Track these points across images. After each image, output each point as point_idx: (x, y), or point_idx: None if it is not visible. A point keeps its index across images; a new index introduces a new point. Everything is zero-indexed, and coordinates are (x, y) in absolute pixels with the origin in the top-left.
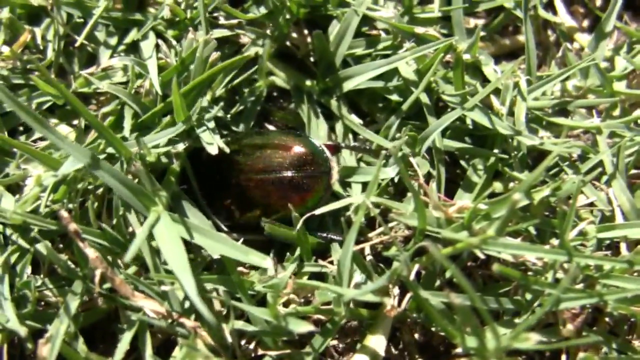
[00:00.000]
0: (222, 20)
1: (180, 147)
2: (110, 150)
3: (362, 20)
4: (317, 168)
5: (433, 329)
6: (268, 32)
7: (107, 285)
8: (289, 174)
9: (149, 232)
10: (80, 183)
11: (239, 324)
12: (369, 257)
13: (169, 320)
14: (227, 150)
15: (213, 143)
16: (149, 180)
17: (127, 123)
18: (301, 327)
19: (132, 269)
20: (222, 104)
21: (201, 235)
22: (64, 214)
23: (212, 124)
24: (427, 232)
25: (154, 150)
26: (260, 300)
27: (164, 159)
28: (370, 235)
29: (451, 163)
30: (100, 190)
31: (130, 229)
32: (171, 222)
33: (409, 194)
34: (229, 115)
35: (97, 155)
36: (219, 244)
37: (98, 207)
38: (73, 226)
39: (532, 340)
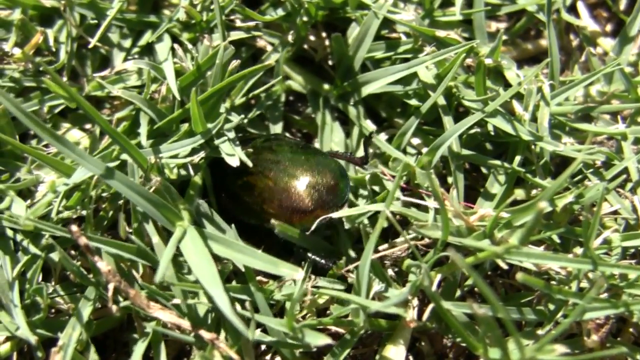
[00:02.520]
0: (238, 23)
1: (199, 157)
2: (125, 156)
3: (381, 23)
4: (335, 200)
5: (452, 339)
6: (285, 36)
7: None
8: (307, 197)
9: (175, 248)
10: (93, 190)
11: (257, 334)
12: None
13: (186, 332)
14: (250, 164)
15: (234, 154)
16: (172, 194)
17: (143, 129)
18: (319, 340)
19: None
20: (241, 115)
21: (228, 248)
22: (74, 228)
23: (232, 134)
24: (448, 241)
25: (172, 160)
26: (279, 311)
27: (182, 172)
28: (384, 245)
29: (471, 169)
30: (115, 198)
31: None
32: (198, 237)
33: (424, 202)
34: (245, 120)
35: (110, 164)
36: (247, 257)
37: (112, 215)
38: (83, 240)
39: (556, 352)
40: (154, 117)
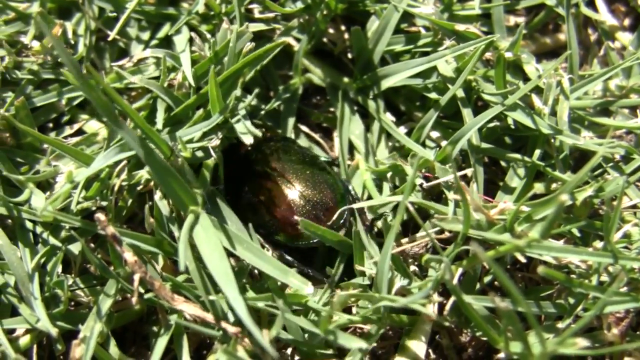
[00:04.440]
0: (257, 15)
1: (215, 141)
2: None
3: (401, 17)
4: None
5: (472, 333)
6: (305, 29)
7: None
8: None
9: (189, 234)
10: (115, 178)
11: (277, 331)
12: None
13: (210, 325)
14: (259, 134)
15: (247, 132)
16: (189, 174)
17: (160, 116)
18: (353, 343)
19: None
20: (257, 90)
21: (241, 247)
22: (101, 216)
23: (244, 112)
24: (468, 234)
25: (189, 145)
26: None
27: (199, 154)
28: (404, 240)
29: (490, 163)
30: (133, 187)
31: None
32: (210, 226)
33: (443, 196)
34: (262, 112)
35: (128, 153)
36: (260, 260)
37: (131, 206)
38: (110, 229)
39: (578, 345)
40: (170, 103)
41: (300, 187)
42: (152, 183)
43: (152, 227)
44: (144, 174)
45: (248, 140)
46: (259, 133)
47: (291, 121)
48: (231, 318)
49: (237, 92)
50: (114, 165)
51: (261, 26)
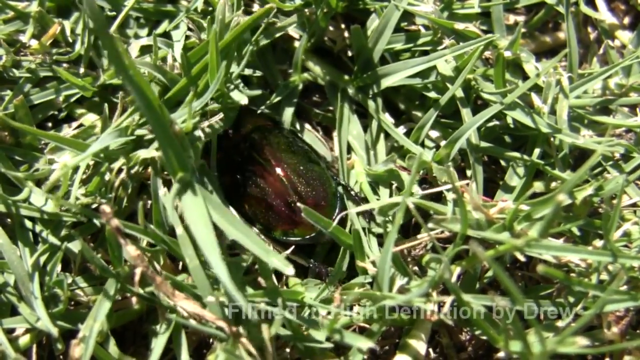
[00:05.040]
0: (256, 8)
1: (215, 119)
2: (139, 132)
3: (400, 15)
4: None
5: (471, 332)
6: (304, 25)
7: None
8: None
9: (175, 197)
10: (114, 173)
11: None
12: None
13: (209, 323)
14: (255, 93)
15: (244, 97)
16: (183, 142)
17: None
18: (361, 343)
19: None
20: (247, 57)
21: (226, 220)
22: (107, 209)
23: (239, 81)
24: (467, 234)
25: (184, 124)
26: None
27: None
28: (405, 240)
29: (489, 162)
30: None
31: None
32: (198, 194)
33: (443, 194)
34: (264, 107)
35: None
36: (240, 234)
37: (130, 203)
38: (115, 222)
39: (578, 344)
40: (164, 81)
41: (290, 180)
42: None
43: (146, 224)
44: (141, 153)
45: (244, 100)
46: (254, 93)
47: (290, 118)
48: (230, 316)
49: (233, 67)
50: (113, 159)
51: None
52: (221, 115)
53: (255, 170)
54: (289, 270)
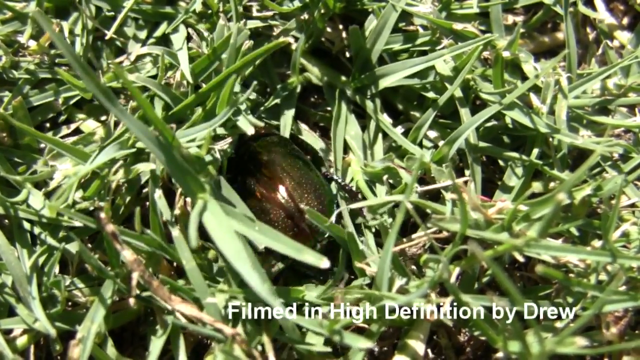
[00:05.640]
0: (255, 13)
1: (223, 144)
2: (139, 145)
3: (399, 16)
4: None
5: (470, 332)
6: (303, 28)
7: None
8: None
9: (199, 219)
10: (113, 176)
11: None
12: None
13: (207, 326)
14: (261, 124)
15: (250, 126)
16: (194, 166)
17: (158, 115)
18: (360, 343)
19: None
20: (255, 83)
21: (249, 227)
22: (102, 214)
23: (244, 106)
24: (466, 234)
25: (190, 144)
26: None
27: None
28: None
29: (488, 162)
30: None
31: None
32: (220, 211)
33: (442, 193)
34: (262, 108)
35: (127, 151)
36: (269, 239)
37: (128, 207)
38: (110, 227)
39: (577, 345)
40: (168, 101)
41: (286, 189)
42: (149, 182)
43: (142, 229)
44: (140, 167)
45: (250, 130)
46: (260, 123)
47: (289, 120)
48: (228, 318)
49: (237, 87)
50: (112, 164)
51: (258, 23)
52: (230, 139)
53: (253, 182)
54: (323, 263)
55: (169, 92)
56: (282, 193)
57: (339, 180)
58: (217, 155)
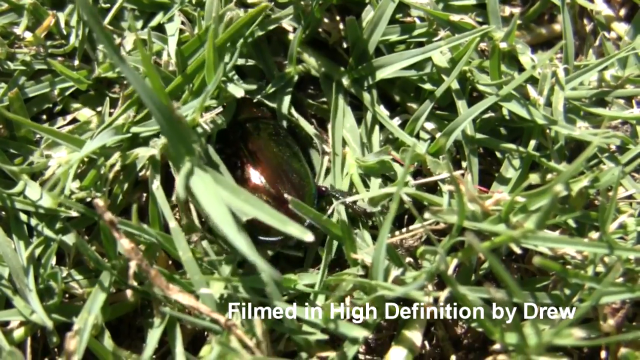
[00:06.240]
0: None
1: (213, 113)
2: (135, 129)
3: (396, 7)
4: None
5: (466, 324)
6: (300, 17)
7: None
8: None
9: (185, 183)
10: (108, 166)
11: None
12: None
13: (203, 316)
14: (252, 86)
15: (240, 90)
16: (185, 129)
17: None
18: (355, 332)
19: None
20: (240, 41)
21: (235, 196)
22: (100, 202)
23: (233, 73)
24: (463, 226)
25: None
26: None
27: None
28: (398, 232)
29: (485, 154)
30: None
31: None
32: (208, 177)
33: (438, 184)
34: (260, 96)
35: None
36: (255, 209)
37: (125, 197)
38: (108, 215)
39: (574, 337)
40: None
41: (266, 175)
42: (148, 173)
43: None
44: (140, 151)
45: (239, 93)
46: (250, 87)
47: (287, 108)
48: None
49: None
50: (109, 153)
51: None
52: (221, 109)
53: (237, 160)
54: (308, 237)
55: (160, 72)
56: (260, 178)
57: (337, 195)
58: (206, 127)
